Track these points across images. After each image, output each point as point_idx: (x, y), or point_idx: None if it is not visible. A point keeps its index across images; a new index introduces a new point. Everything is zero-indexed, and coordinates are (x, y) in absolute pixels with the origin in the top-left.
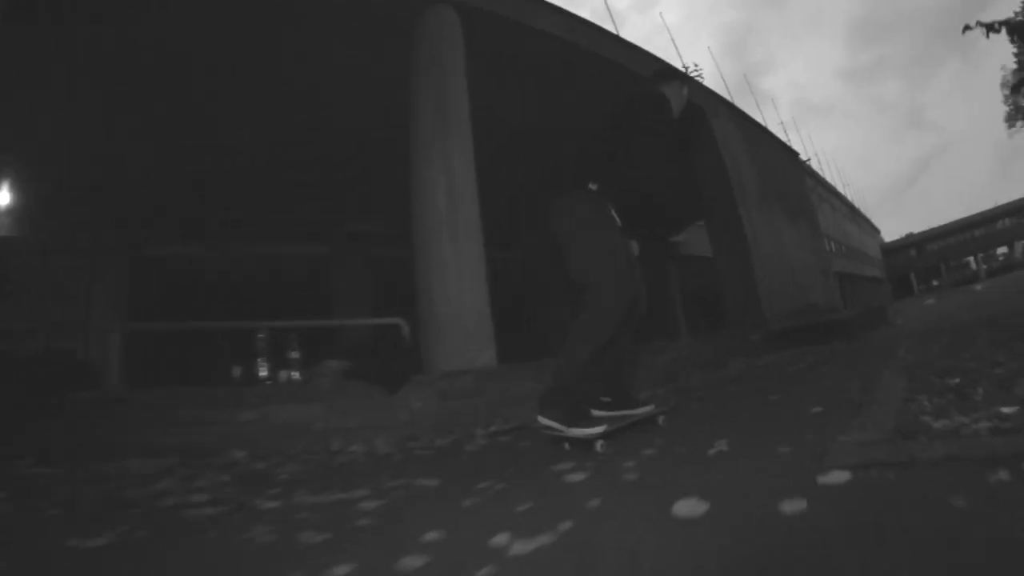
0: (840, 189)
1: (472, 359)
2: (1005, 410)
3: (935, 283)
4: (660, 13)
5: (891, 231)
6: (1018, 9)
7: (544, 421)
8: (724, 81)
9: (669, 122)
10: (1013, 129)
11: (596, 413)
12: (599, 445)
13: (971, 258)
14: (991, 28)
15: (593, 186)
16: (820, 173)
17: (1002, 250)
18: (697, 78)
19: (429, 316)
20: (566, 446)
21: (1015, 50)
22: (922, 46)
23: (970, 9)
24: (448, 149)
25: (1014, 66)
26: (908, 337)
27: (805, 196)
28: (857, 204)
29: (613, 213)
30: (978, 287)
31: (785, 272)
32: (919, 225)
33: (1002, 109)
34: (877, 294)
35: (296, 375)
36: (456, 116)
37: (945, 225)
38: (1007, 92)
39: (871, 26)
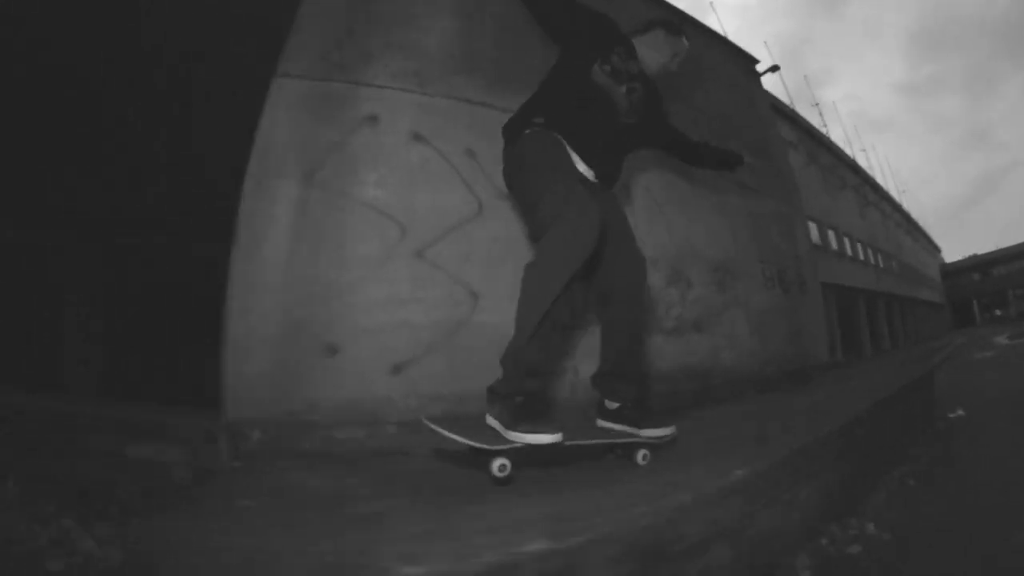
0: (895, 196)
1: None
2: None
3: (998, 312)
4: (719, 20)
5: (951, 253)
6: None
7: (489, 421)
8: (785, 85)
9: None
10: None
11: (600, 423)
12: (496, 467)
13: None
14: None
15: (539, 119)
16: (874, 178)
17: None
18: None
19: None
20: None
21: None
22: (984, 61)
23: None
24: None
25: None
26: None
27: (771, 148)
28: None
29: (574, 156)
30: None
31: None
32: (983, 249)
33: None
34: (934, 322)
35: None
36: None
37: (1016, 246)
38: None
39: (930, 39)
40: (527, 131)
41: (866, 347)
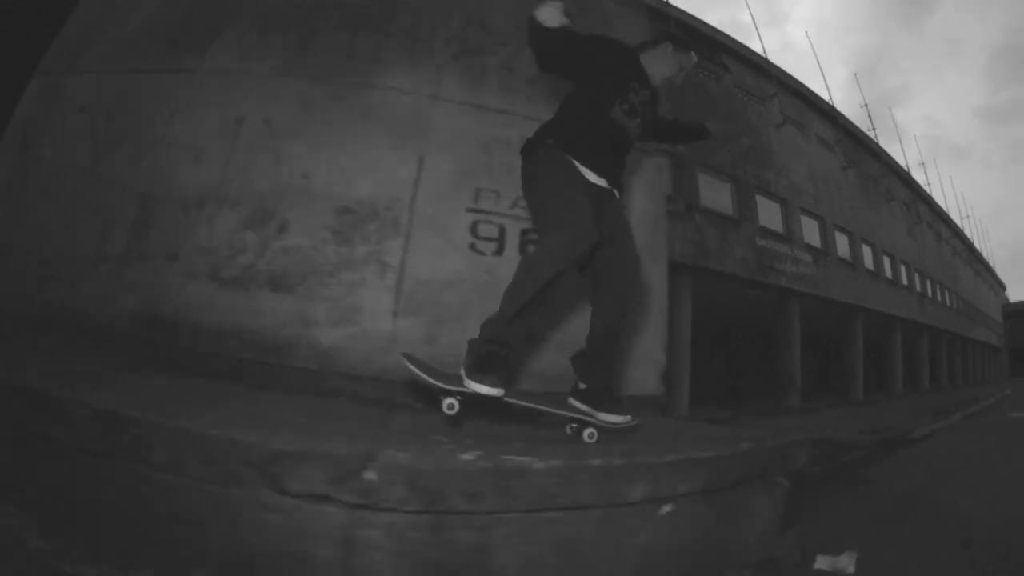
0: (957, 220)
1: None
2: None
3: None
4: (806, 32)
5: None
6: None
7: (461, 371)
8: (867, 109)
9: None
10: None
11: (571, 402)
12: (447, 405)
13: None
14: None
15: (550, 141)
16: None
17: None
18: None
19: None
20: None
21: None
22: None
23: None
24: None
25: None
26: None
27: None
28: (981, 249)
29: (583, 168)
30: None
31: None
32: None
33: None
34: (987, 365)
35: None
36: None
37: None
38: None
39: (1014, 59)
40: (541, 151)
41: (897, 384)
